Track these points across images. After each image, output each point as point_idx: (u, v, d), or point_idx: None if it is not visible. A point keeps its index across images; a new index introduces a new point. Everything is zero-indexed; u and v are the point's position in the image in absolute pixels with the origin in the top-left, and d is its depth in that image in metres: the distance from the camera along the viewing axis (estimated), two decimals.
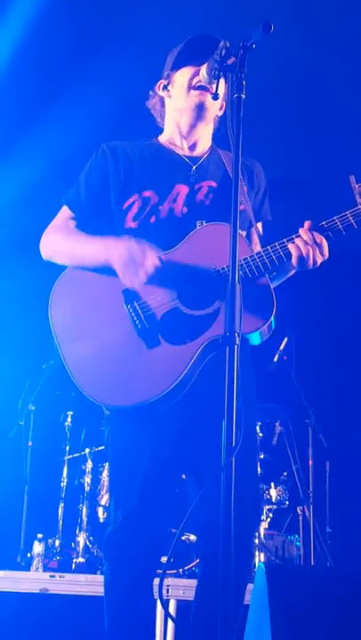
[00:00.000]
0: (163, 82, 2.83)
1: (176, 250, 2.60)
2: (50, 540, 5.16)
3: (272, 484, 5.35)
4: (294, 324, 5.62)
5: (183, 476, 2.74)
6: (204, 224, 2.65)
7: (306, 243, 2.50)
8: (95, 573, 4.66)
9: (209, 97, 2.64)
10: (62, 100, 5.17)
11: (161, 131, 2.90)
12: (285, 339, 5.62)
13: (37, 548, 4.81)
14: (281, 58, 4.55)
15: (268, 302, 2.48)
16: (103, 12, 4.62)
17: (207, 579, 2.48)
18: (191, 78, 2.70)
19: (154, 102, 2.89)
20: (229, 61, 2.23)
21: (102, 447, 5.18)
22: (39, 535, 4.89)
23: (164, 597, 4.04)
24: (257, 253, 2.53)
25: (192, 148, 2.83)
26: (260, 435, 5.32)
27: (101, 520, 5.17)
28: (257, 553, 4.88)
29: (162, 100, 2.87)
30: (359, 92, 5.15)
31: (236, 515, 1.88)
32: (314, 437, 5.65)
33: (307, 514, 5.36)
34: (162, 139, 2.88)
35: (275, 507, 5.33)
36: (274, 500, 5.31)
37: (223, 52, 2.25)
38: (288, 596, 2.04)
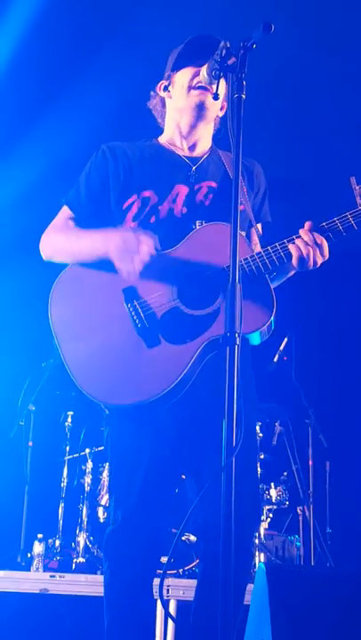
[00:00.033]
0: (163, 82, 2.84)
1: (176, 249, 2.60)
2: (50, 540, 5.16)
3: (272, 484, 5.35)
4: (294, 324, 5.62)
5: (183, 477, 2.74)
6: (204, 224, 2.65)
7: (306, 243, 2.50)
8: (95, 573, 4.66)
9: (209, 97, 2.65)
10: (62, 100, 5.17)
11: (161, 131, 2.90)
12: (285, 339, 5.62)
13: (37, 548, 4.81)
14: (281, 58, 4.54)
15: (269, 302, 2.48)
16: (103, 12, 4.62)
17: (207, 579, 2.48)
18: (192, 79, 2.70)
19: (155, 103, 2.89)
20: (230, 62, 2.23)
21: (102, 447, 5.18)
22: (39, 535, 4.89)
23: (165, 598, 4.04)
24: (257, 253, 2.53)
25: (192, 148, 2.83)
26: (261, 435, 5.32)
27: (101, 520, 5.17)
28: (257, 553, 4.88)
29: (163, 101, 2.87)
30: (359, 92, 5.14)
31: (236, 515, 1.88)
32: (314, 437, 5.65)
33: (307, 514, 5.36)
34: (162, 139, 2.88)
35: (275, 507, 5.33)
36: (274, 501, 5.31)
37: (224, 52, 2.25)
38: (288, 596, 2.04)
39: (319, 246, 2.51)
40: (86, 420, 5.59)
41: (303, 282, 3.55)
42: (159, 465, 2.53)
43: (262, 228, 2.82)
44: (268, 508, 5.27)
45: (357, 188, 2.54)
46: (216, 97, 2.40)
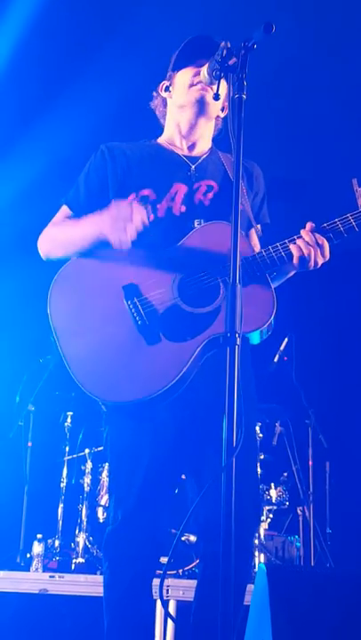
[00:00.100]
0: (165, 83, 2.85)
1: (177, 247, 2.60)
2: (49, 541, 5.16)
3: (272, 484, 5.35)
4: (295, 324, 5.62)
5: (183, 477, 2.74)
6: (202, 223, 2.65)
7: (307, 243, 2.51)
8: (95, 574, 4.66)
9: (210, 92, 2.64)
10: (62, 100, 5.17)
11: (162, 131, 2.90)
12: (286, 339, 5.62)
13: (37, 548, 4.81)
14: (281, 58, 4.55)
15: (269, 302, 2.48)
16: (103, 12, 4.62)
17: (207, 579, 2.47)
18: (192, 77, 2.70)
19: (156, 103, 2.90)
20: (231, 62, 2.23)
21: (102, 448, 5.18)
22: (39, 535, 4.89)
23: (164, 598, 4.04)
24: (258, 253, 2.54)
25: (191, 148, 2.83)
26: (261, 435, 5.32)
27: (101, 520, 5.17)
28: (257, 554, 4.88)
29: (164, 101, 2.88)
30: (359, 92, 5.14)
31: (236, 515, 1.88)
32: (314, 438, 5.65)
33: (307, 514, 5.36)
34: (161, 139, 2.89)
35: (275, 507, 5.33)
36: (274, 501, 5.31)
37: (224, 52, 2.25)
38: (289, 596, 2.04)
39: (320, 247, 2.52)
40: (86, 420, 5.59)
41: (304, 282, 3.56)
42: (159, 465, 2.53)
43: (261, 230, 2.82)
44: (268, 508, 5.27)
45: (359, 189, 2.55)
46: (217, 97, 2.40)
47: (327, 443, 5.63)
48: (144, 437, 2.53)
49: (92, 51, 4.84)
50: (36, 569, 4.76)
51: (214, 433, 2.15)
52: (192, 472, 2.61)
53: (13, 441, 5.51)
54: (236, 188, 2.11)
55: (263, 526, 5.14)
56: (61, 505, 5.39)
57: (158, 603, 3.67)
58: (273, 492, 5.31)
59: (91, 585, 4.26)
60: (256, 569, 2.25)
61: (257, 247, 2.69)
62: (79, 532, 5.17)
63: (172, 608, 4.07)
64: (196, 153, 2.83)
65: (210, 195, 2.73)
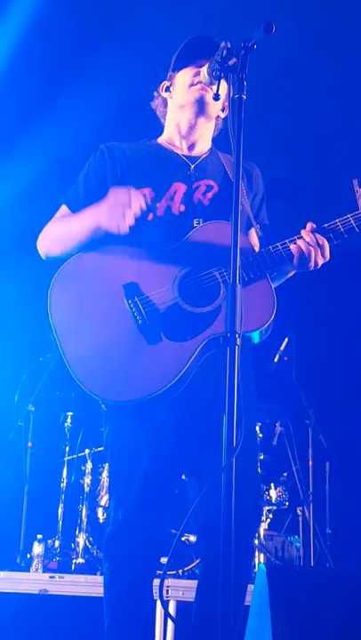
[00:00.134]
0: (165, 83, 2.85)
1: (178, 246, 2.60)
2: (49, 541, 5.16)
3: (272, 484, 5.35)
4: (295, 324, 5.62)
5: (184, 477, 2.74)
6: (201, 222, 2.65)
7: (308, 243, 2.51)
8: (95, 574, 4.66)
9: (210, 92, 2.64)
10: (62, 100, 5.17)
11: (162, 131, 2.90)
12: (286, 339, 5.62)
13: (37, 548, 4.80)
14: (281, 58, 4.55)
15: (269, 301, 2.48)
16: (103, 11, 4.62)
17: (208, 578, 2.47)
18: (192, 77, 2.70)
19: (157, 103, 2.90)
20: (231, 62, 2.23)
21: (102, 448, 5.18)
22: (39, 536, 4.89)
23: (164, 598, 4.04)
24: (258, 252, 2.54)
25: (191, 147, 2.83)
26: (261, 435, 5.32)
27: (101, 521, 5.17)
28: (256, 554, 4.88)
29: (165, 102, 2.88)
30: (359, 92, 5.14)
31: (236, 515, 1.87)
32: (314, 438, 5.65)
33: (307, 514, 5.36)
34: (161, 139, 2.89)
35: (275, 507, 5.33)
36: (274, 501, 5.31)
37: (224, 52, 2.25)
38: (289, 596, 2.03)
39: (321, 247, 2.53)
40: (86, 420, 5.59)
41: (304, 282, 3.56)
42: (159, 465, 2.53)
43: (260, 230, 2.82)
44: (267, 508, 5.27)
45: (359, 190, 2.55)
46: (217, 97, 2.40)
47: (327, 443, 5.63)
48: (144, 437, 2.53)
49: (92, 51, 4.84)
50: (36, 569, 4.75)
51: (214, 433, 2.15)
52: (192, 472, 2.61)
53: (13, 441, 5.50)
54: (236, 188, 2.11)
55: (263, 526, 5.14)
56: (61, 505, 5.39)
57: (158, 603, 3.67)
58: (273, 493, 5.31)
59: (91, 585, 4.26)
60: (256, 569, 2.25)
61: (257, 247, 2.70)
62: (79, 532, 5.17)
63: (171, 608, 4.07)
64: (195, 153, 2.83)
65: (209, 194, 2.73)
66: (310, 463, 5.60)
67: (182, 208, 2.69)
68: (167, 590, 4.09)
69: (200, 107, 2.73)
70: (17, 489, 5.51)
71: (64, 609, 4.26)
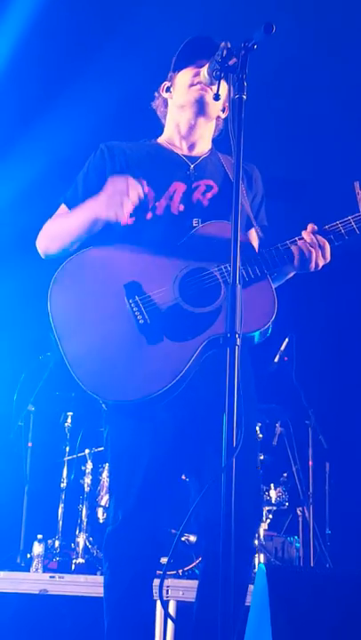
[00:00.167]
0: (166, 83, 2.85)
1: (178, 246, 2.60)
2: (49, 541, 5.16)
3: (272, 485, 5.35)
4: (295, 324, 5.62)
5: (184, 477, 2.74)
6: (200, 222, 2.65)
7: (309, 244, 2.51)
8: (95, 574, 4.66)
9: (210, 92, 2.64)
10: (62, 100, 5.17)
11: (162, 131, 2.90)
12: (286, 339, 5.62)
13: (37, 548, 4.80)
14: (281, 58, 4.55)
15: (270, 302, 2.49)
16: (103, 11, 4.62)
17: (209, 579, 2.47)
18: (192, 77, 2.71)
19: (158, 104, 2.91)
20: (231, 62, 2.23)
21: (102, 448, 5.18)
22: (39, 536, 4.89)
23: (164, 598, 4.04)
24: (259, 253, 2.54)
25: (191, 148, 2.83)
26: (261, 436, 5.31)
27: (101, 521, 5.17)
28: (256, 554, 4.88)
29: (165, 102, 2.88)
30: (359, 92, 5.14)
31: (237, 515, 1.87)
32: (314, 438, 5.65)
33: (306, 515, 5.36)
34: (161, 139, 2.89)
35: (274, 508, 5.32)
36: (274, 502, 5.30)
37: (225, 52, 2.25)
38: (288, 597, 2.03)
39: (321, 248, 2.53)
40: (86, 420, 5.59)
41: (304, 283, 3.55)
42: (159, 465, 2.53)
43: (255, 235, 2.81)
44: (267, 508, 5.27)
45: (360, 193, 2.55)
46: (217, 97, 2.40)
47: (327, 443, 5.63)
48: (144, 437, 2.53)
49: (92, 51, 4.84)
50: (37, 569, 4.75)
51: (214, 432, 2.15)
52: (193, 472, 2.61)
53: (13, 441, 5.50)
54: (236, 188, 2.11)
55: (263, 527, 5.14)
56: (61, 505, 5.39)
57: (158, 603, 3.67)
58: (273, 493, 5.31)
59: (91, 585, 4.26)
60: (256, 569, 2.25)
61: (256, 247, 2.70)
62: (79, 532, 5.16)
63: (171, 608, 4.06)
64: (195, 153, 2.83)
65: (209, 194, 2.73)
66: (310, 463, 5.60)
67: (181, 207, 2.69)
68: (167, 590, 4.09)
69: (200, 107, 2.73)
70: (17, 489, 5.51)
71: (64, 609, 4.26)
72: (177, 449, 2.55)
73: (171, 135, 2.85)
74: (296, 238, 2.54)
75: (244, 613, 2.31)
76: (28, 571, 4.77)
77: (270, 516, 5.30)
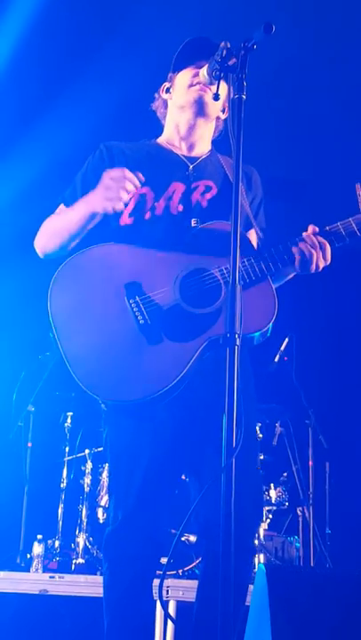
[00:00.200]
0: (166, 84, 2.86)
1: (180, 246, 2.60)
2: (49, 541, 5.16)
3: (272, 484, 5.35)
4: (295, 324, 5.62)
5: (184, 477, 2.73)
6: (199, 222, 2.65)
7: (310, 246, 2.51)
8: (95, 574, 4.65)
9: (209, 93, 2.64)
10: (62, 100, 5.17)
11: (162, 131, 2.90)
12: (286, 339, 5.61)
13: (37, 548, 4.80)
14: (281, 58, 4.55)
15: (271, 303, 2.49)
16: (103, 12, 4.62)
17: (209, 579, 2.47)
18: (192, 78, 2.71)
19: (157, 105, 2.91)
20: (230, 62, 2.23)
21: (102, 448, 5.17)
22: (39, 536, 4.89)
23: (164, 598, 4.04)
24: (260, 254, 2.53)
25: (190, 148, 2.83)
26: (261, 435, 5.32)
27: (101, 521, 5.17)
28: (256, 554, 4.87)
29: (165, 103, 2.88)
30: (359, 92, 5.15)
31: (237, 515, 1.87)
32: (314, 438, 5.64)
33: (306, 515, 5.36)
34: (160, 140, 2.89)
35: (274, 508, 5.32)
36: (274, 501, 5.30)
37: (224, 52, 2.25)
38: (288, 597, 2.03)
39: (322, 250, 2.53)
40: (85, 420, 5.59)
41: (304, 282, 3.54)
42: (158, 465, 2.52)
43: (255, 236, 2.81)
44: (267, 508, 5.27)
45: None
46: (216, 97, 2.40)
47: (327, 443, 5.62)
48: (144, 437, 2.53)
49: (92, 51, 4.84)
50: (36, 569, 4.75)
51: (214, 432, 2.15)
52: (192, 472, 2.61)
53: (13, 441, 5.50)
54: (236, 188, 2.11)
55: (263, 526, 5.14)
56: (61, 505, 5.39)
57: (158, 603, 3.67)
58: (273, 493, 5.31)
59: (91, 585, 4.26)
60: (256, 569, 2.25)
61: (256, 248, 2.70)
62: (79, 532, 5.16)
63: (171, 609, 4.06)
64: (195, 154, 2.83)
65: (208, 195, 2.73)
66: (310, 463, 5.60)
67: (180, 208, 2.69)
68: (167, 590, 4.09)
69: (199, 107, 2.73)
70: (17, 489, 5.51)
71: (64, 609, 4.26)
72: (177, 449, 2.55)
73: (170, 136, 2.85)
74: (297, 239, 2.54)
75: (244, 613, 2.31)
76: (28, 571, 4.77)
77: (270, 516, 5.30)
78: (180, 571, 4.55)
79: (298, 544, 5.26)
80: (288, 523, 5.58)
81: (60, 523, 5.32)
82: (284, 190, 5.78)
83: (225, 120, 2.84)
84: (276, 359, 5.56)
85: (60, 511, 5.37)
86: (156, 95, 2.90)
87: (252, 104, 2.18)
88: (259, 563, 4.73)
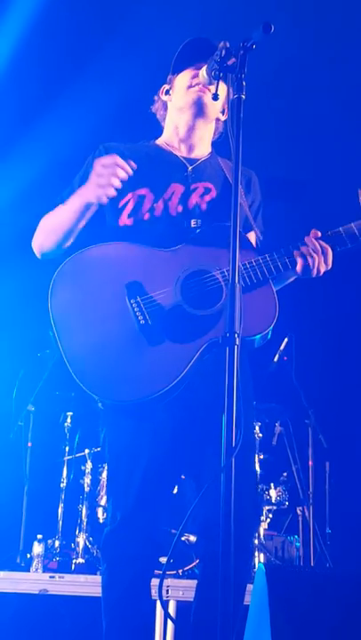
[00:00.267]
0: (165, 86, 2.86)
1: (180, 247, 2.60)
2: (49, 541, 5.16)
3: (272, 484, 5.35)
4: (295, 324, 5.61)
5: (183, 477, 2.73)
6: (199, 222, 2.65)
7: (312, 250, 2.52)
8: (95, 574, 4.65)
9: (208, 94, 2.65)
10: (62, 100, 5.18)
11: (161, 132, 2.90)
12: (286, 339, 5.61)
13: (37, 548, 4.80)
14: (281, 58, 4.55)
15: (271, 306, 2.49)
16: (103, 12, 4.62)
17: (207, 579, 2.47)
18: (191, 79, 2.71)
19: (157, 107, 2.91)
20: (230, 62, 2.23)
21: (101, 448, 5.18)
22: (39, 536, 4.89)
23: (164, 598, 4.04)
24: (262, 258, 2.54)
25: (190, 150, 2.83)
26: (260, 435, 5.32)
27: (101, 521, 5.17)
28: (256, 554, 4.88)
29: (165, 105, 2.88)
30: (359, 92, 5.15)
31: (235, 514, 1.87)
32: (314, 438, 5.64)
33: (306, 514, 5.36)
34: (160, 141, 2.89)
35: (274, 507, 5.32)
36: (274, 501, 5.30)
37: (223, 52, 2.25)
38: (288, 596, 2.04)
39: (324, 254, 2.54)
40: (85, 420, 5.59)
41: (304, 282, 3.54)
42: (157, 465, 2.52)
43: (255, 238, 2.82)
44: (267, 508, 5.27)
45: None
46: (215, 97, 2.40)
47: (327, 443, 5.62)
48: (143, 438, 2.53)
49: (92, 51, 4.84)
50: (36, 569, 4.75)
51: (213, 433, 2.15)
52: (191, 472, 2.61)
53: (13, 441, 5.50)
54: (236, 188, 2.11)
55: (263, 526, 5.14)
56: (61, 505, 5.39)
57: (158, 603, 3.67)
58: (273, 492, 5.31)
59: (91, 585, 4.26)
60: (255, 569, 2.25)
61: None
62: (79, 532, 5.16)
63: (171, 608, 4.06)
64: (194, 155, 2.83)
65: (207, 197, 2.73)
66: (310, 463, 5.60)
67: (180, 209, 2.69)
68: (167, 590, 4.09)
69: (198, 108, 2.73)
70: (17, 489, 5.51)
71: (64, 609, 4.26)
72: (176, 449, 2.55)
73: (170, 137, 2.85)
74: (299, 244, 2.55)
75: (243, 613, 2.31)
76: (28, 571, 4.77)
77: (270, 516, 5.30)
78: (180, 570, 4.55)
79: (298, 544, 5.26)
80: (288, 522, 5.58)
81: (60, 522, 5.32)
82: (284, 191, 5.78)
83: (225, 121, 2.84)
84: (276, 359, 5.56)
85: (60, 511, 5.37)
86: (156, 97, 2.91)
87: (251, 104, 2.18)
88: (259, 562, 4.73)
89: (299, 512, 5.43)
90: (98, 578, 4.31)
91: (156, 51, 2.98)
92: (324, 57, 4.88)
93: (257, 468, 5.14)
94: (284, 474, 5.47)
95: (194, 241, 2.61)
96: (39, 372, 5.54)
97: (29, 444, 5.60)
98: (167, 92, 2.85)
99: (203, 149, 2.84)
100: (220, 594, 1.82)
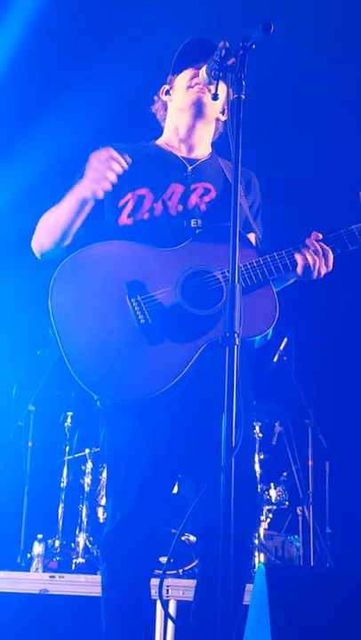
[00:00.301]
0: (165, 87, 2.86)
1: (181, 247, 2.60)
2: (50, 541, 5.16)
3: (272, 484, 5.35)
4: (294, 324, 5.61)
5: (179, 476, 2.73)
6: (199, 222, 2.65)
7: (313, 252, 2.52)
8: (95, 574, 4.65)
9: (208, 94, 2.65)
10: (62, 100, 5.18)
11: (161, 133, 2.90)
12: (285, 339, 5.61)
13: (37, 548, 4.80)
14: (281, 58, 4.55)
15: (272, 307, 2.49)
16: (104, 12, 4.62)
17: (206, 579, 2.48)
18: (190, 79, 2.71)
19: (157, 107, 2.91)
20: (229, 62, 2.24)
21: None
22: (39, 536, 4.89)
23: (164, 598, 4.04)
24: (263, 259, 2.54)
25: (190, 150, 2.84)
26: (260, 435, 5.32)
27: (101, 520, 5.17)
28: (256, 553, 4.88)
29: (165, 105, 2.89)
30: (359, 92, 5.15)
31: (234, 514, 1.88)
32: (313, 438, 5.65)
33: (306, 514, 5.36)
34: (160, 141, 2.89)
35: (274, 507, 5.32)
36: (274, 501, 5.30)
37: (223, 52, 2.25)
38: (288, 596, 2.04)
39: (325, 257, 2.54)
40: (85, 420, 5.59)
41: (304, 282, 3.55)
42: (157, 465, 2.52)
43: (255, 238, 2.82)
44: (267, 508, 5.27)
45: None
46: (215, 97, 2.40)
47: (327, 443, 5.62)
48: (142, 437, 2.53)
49: (92, 51, 4.84)
50: (37, 569, 4.76)
51: (212, 433, 2.15)
52: (190, 472, 2.61)
53: (13, 441, 5.50)
54: (235, 188, 2.11)
55: (263, 526, 5.14)
56: (61, 505, 5.39)
57: (158, 603, 3.67)
58: (273, 492, 5.31)
59: (91, 585, 4.26)
60: (255, 569, 2.25)
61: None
62: (79, 532, 5.16)
63: (172, 608, 4.06)
64: (194, 156, 2.83)
65: (206, 198, 2.73)
66: (310, 463, 5.60)
67: (179, 209, 2.69)
68: (167, 590, 4.09)
69: (198, 109, 2.73)
70: (17, 489, 5.51)
71: (64, 609, 4.26)
72: (175, 449, 2.55)
73: (170, 137, 2.85)
74: (300, 246, 2.55)
75: (243, 613, 2.31)
76: (28, 570, 4.77)
77: (270, 516, 5.30)
78: (180, 570, 4.55)
79: (298, 543, 5.26)
80: (288, 522, 5.58)
81: (61, 522, 5.32)
82: (284, 191, 5.78)
83: (225, 122, 2.84)
84: (276, 359, 5.56)
85: (60, 511, 5.37)
86: (156, 97, 2.91)
87: (251, 104, 2.18)
88: (259, 562, 4.73)
89: (299, 512, 5.43)
90: (98, 578, 4.31)
91: (156, 51, 2.98)
92: (324, 57, 4.88)
93: (257, 467, 5.14)
94: (284, 474, 5.47)
95: (195, 241, 2.62)
96: (39, 371, 5.54)
97: (29, 444, 5.60)
98: (167, 93, 2.85)
99: (203, 150, 2.85)
100: (220, 594, 1.82)
